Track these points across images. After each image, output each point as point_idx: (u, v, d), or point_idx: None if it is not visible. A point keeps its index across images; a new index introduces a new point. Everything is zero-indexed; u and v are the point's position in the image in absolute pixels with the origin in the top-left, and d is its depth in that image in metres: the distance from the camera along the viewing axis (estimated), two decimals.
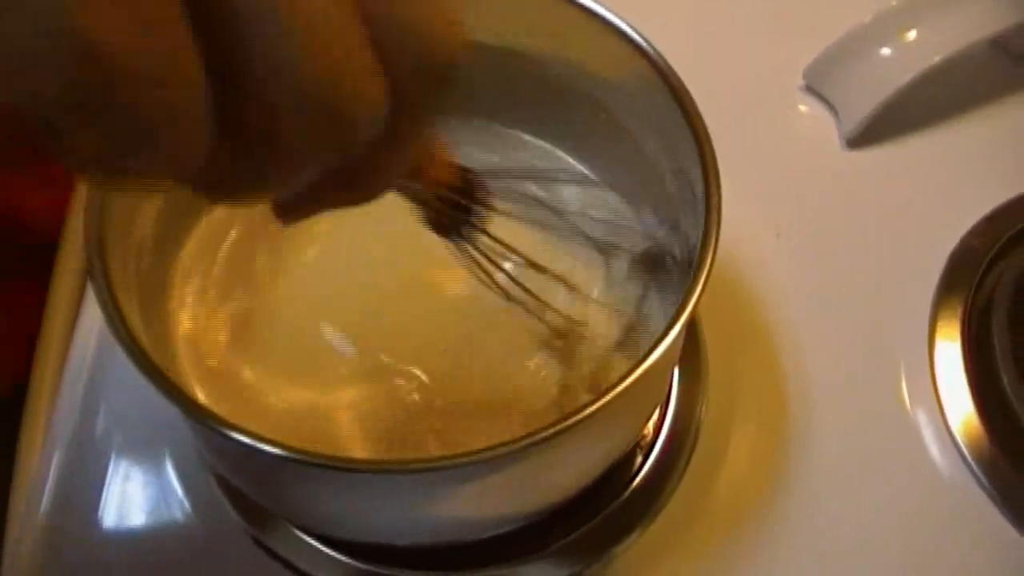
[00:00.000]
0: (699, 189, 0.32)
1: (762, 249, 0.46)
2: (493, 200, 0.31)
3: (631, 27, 0.35)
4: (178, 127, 0.18)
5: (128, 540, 0.40)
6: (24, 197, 0.48)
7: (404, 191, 0.29)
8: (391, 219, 0.40)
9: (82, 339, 0.43)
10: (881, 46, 0.47)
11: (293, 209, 0.24)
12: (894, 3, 0.47)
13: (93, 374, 0.42)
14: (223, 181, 0.21)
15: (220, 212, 0.40)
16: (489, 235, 0.32)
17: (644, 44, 0.34)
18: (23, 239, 0.48)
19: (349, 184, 0.23)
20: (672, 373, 0.41)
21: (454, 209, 0.30)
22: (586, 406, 0.27)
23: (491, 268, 0.33)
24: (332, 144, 0.20)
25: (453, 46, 0.21)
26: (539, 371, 0.37)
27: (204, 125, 0.18)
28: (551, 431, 0.27)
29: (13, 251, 0.48)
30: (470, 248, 0.32)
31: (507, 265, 0.35)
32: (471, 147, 0.42)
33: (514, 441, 0.27)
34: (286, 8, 0.18)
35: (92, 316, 0.44)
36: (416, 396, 0.37)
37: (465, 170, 0.30)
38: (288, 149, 0.20)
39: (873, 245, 0.46)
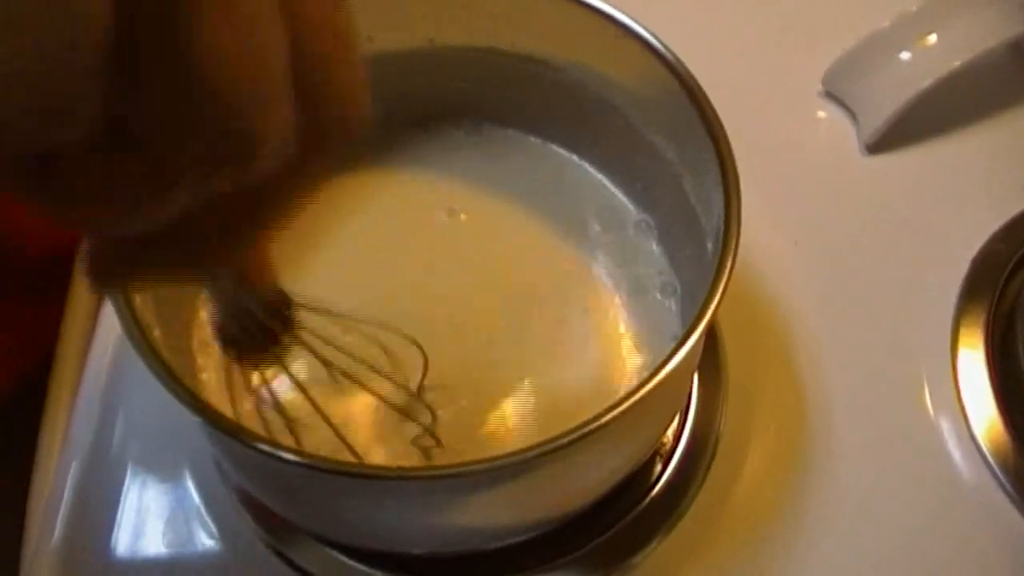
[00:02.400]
0: (718, 195, 0.32)
1: (781, 256, 0.46)
2: (294, 331, 0.31)
3: (651, 33, 0.35)
4: None
5: (147, 554, 0.40)
6: (18, 218, 0.48)
7: (219, 294, 0.28)
8: (408, 232, 0.41)
9: (99, 352, 0.43)
10: (900, 51, 0.47)
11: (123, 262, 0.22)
12: (913, 8, 0.47)
13: (110, 387, 0.43)
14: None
15: None
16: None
17: (664, 50, 0.34)
18: (17, 259, 0.48)
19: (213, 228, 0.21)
20: (692, 381, 0.41)
21: (258, 331, 0.29)
22: (605, 412, 0.27)
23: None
24: (228, 158, 0.19)
25: (366, 105, 0.21)
26: (555, 379, 0.37)
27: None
28: (569, 438, 0.27)
29: (7, 270, 0.48)
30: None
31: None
32: (479, 152, 0.42)
33: (533, 447, 0.27)
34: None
35: (109, 328, 0.44)
36: (435, 405, 0.37)
37: (282, 291, 0.30)
38: (178, 156, 0.18)
39: (893, 251, 0.46)
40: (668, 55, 0.34)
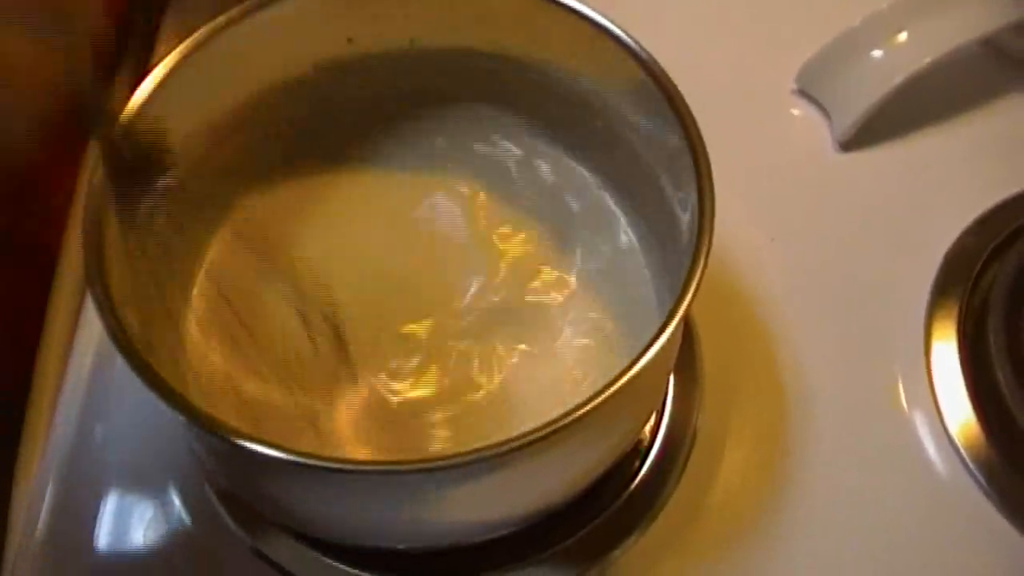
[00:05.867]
0: (693, 193, 0.32)
1: (757, 253, 0.46)
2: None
3: (626, 33, 0.35)
4: None
5: (127, 553, 0.40)
6: None
7: None
8: (393, 224, 0.41)
9: (79, 355, 0.43)
10: (872, 48, 0.47)
11: None
12: (884, 6, 0.47)
13: (90, 389, 0.42)
14: None
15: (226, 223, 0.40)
16: None
17: (638, 49, 0.35)
18: None
19: None
20: (668, 376, 0.41)
21: None
22: (581, 406, 0.27)
23: None
24: None
25: None
26: (539, 371, 0.38)
27: None
28: (545, 432, 0.27)
29: None
30: None
31: None
32: (462, 153, 0.42)
33: (507, 441, 0.27)
34: None
35: (90, 334, 0.44)
36: (413, 400, 0.37)
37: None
38: None
39: (867, 247, 0.46)
40: (643, 55, 0.35)
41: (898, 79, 0.47)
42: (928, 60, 0.46)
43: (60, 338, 0.44)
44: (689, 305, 0.29)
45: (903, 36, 0.47)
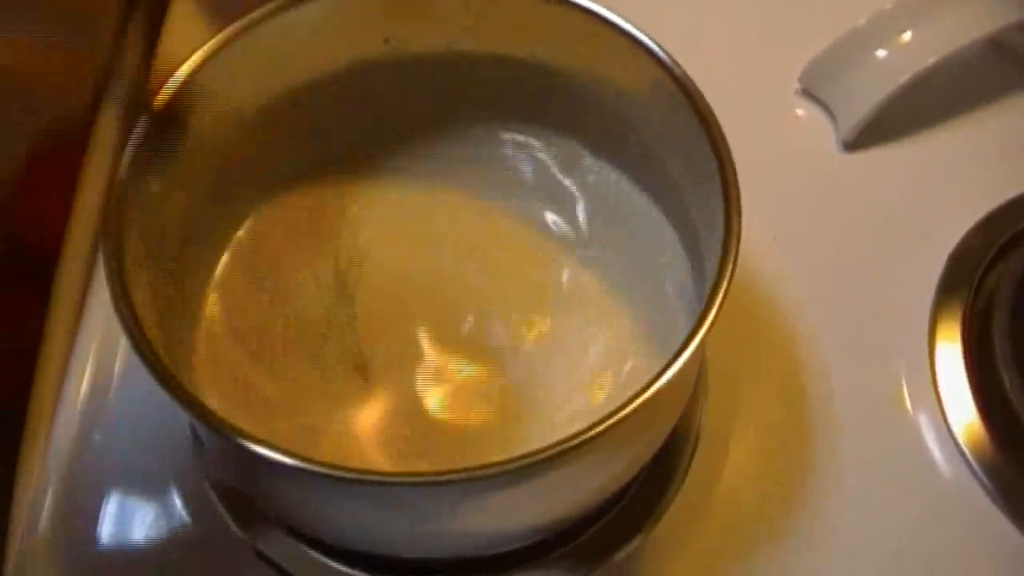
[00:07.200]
0: (717, 204, 0.32)
1: (760, 253, 0.46)
2: None
3: (653, 40, 0.35)
4: None
5: (128, 556, 0.40)
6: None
7: None
8: (417, 231, 0.41)
9: (79, 358, 0.43)
10: (876, 48, 0.47)
11: None
12: (888, 5, 0.47)
13: (91, 391, 0.42)
14: None
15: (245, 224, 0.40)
16: None
17: (665, 57, 0.34)
18: None
19: None
20: (688, 394, 0.41)
21: None
22: (600, 422, 0.27)
23: None
24: None
25: None
26: (559, 385, 0.37)
27: None
28: (556, 450, 0.27)
29: None
30: None
31: None
32: (490, 159, 0.42)
33: (514, 460, 0.27)
34: None
35: (89, 337, 0.43)
36: (431, 411, 0.37)
37: None
38: None
39: (871, 248, 0.46)
40: (674, 67, 0.34)
41: (903, 79, 0.46)
42: (933, 60, 0.46)
43: (60, 341, 0.44)
44: (708, 331, 0.29)
45: (908, 36, 0.47)
